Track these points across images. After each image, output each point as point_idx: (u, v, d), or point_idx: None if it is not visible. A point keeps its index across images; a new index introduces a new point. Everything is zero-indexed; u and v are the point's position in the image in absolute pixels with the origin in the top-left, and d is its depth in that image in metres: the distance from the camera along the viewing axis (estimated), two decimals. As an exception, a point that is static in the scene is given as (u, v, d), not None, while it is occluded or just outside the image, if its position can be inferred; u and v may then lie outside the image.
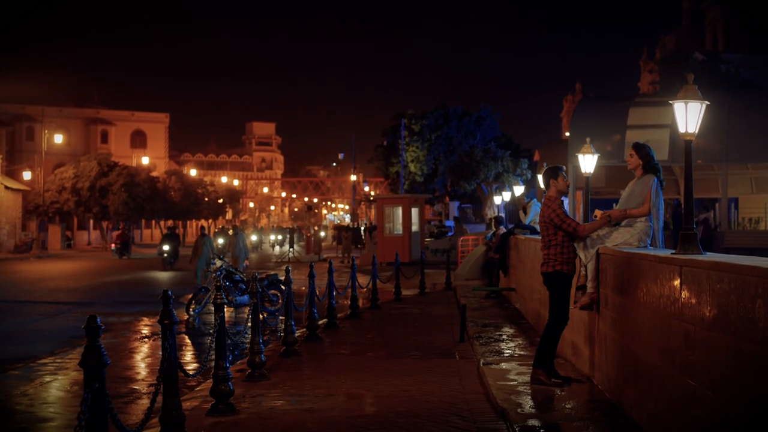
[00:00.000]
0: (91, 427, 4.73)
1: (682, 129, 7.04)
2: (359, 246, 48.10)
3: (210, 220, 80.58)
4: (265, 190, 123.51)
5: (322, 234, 53.13)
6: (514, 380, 9.06)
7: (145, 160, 73.47)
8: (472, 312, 15.57)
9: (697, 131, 7.04)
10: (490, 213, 42.63)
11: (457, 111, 47.53)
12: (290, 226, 77.43)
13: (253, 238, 52.80)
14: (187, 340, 14.57)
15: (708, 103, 7.07)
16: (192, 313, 16.97)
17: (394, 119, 49.14)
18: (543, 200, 8.96)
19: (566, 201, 9.23)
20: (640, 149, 8.31)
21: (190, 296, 17.79)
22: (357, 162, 69.71)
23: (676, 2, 77.82)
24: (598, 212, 8.49)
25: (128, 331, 15.67)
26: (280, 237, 58.04)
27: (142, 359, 12.91)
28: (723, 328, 4.98)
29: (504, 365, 10.06)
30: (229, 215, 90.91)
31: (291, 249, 43.10)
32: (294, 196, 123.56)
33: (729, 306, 4.88)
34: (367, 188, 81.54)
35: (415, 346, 12.29)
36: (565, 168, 9.21)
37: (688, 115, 6.95)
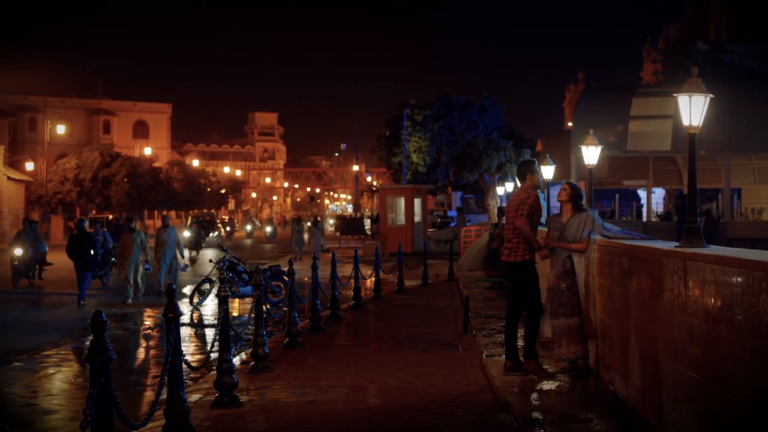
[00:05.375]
0: (96, 422, 4.75)
1: (686, 122, 7.02)
2: (362, 236, 48.09)
3: (213, 210, 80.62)
4: (268, 180, 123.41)
5: (331, 221, 45.98)
6: (518, 372, 9.06)
7: (148, 151, 73.50)
8: (475, 303, 15.56)
9: (701, 124, 7.02)
10: (493, 203, 42.63)
11: (459, 101, 47.35)
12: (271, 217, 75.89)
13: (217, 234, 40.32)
14: (191, 332, 14.59)
15: (712, 96, 7.04)
16: (195, 304, 17.03)
17: (396, 109, 48.99)
18: (520, 189, 9.14)
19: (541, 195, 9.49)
20: (574, 189, 8.86)
21: (194, 287, 17.84)
22: (359, 152, 69.57)
23: (679, -8, 77.52)
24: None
25: (132, 322, 15.70)
26: (188, 233, 35.28)
27: (146, 351, 12.93)
28: (727, 322, 4.98)
29: (507, 357, 10.06)
30: (231, 205, 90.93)
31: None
32: (296, 186, 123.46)
33: (733, 300, 4.87)
34: (369, 178, 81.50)
35: (418, 337, 12.32)
36: (537, 163, 9.46)
37: (692, 109, 6.93)
